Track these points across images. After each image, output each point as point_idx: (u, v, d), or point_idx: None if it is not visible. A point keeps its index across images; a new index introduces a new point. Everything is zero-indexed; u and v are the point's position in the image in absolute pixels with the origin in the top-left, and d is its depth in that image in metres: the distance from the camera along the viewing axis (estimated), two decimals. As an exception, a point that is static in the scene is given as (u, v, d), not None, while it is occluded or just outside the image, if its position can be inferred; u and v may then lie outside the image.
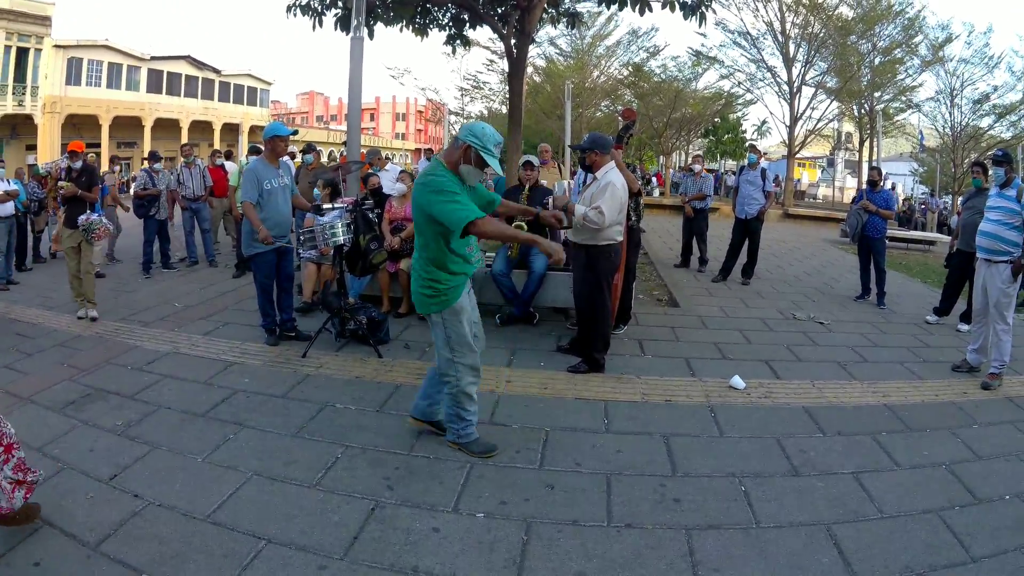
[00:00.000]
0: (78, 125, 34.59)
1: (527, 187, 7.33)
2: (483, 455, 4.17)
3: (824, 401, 5.39)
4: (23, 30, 31.24)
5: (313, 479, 3.86)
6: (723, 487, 3.92)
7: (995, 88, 28.73)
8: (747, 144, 31.78)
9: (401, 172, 8.53)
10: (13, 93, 31.25)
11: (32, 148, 31.60)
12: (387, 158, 12.48)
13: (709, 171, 13.20)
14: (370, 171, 8.83)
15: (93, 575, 2.99)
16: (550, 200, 7.07)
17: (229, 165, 11.86)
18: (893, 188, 31.72)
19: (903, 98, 30.65)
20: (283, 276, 6.55)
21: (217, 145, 36.15)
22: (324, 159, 17.79)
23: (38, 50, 32.28)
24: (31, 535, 3.25)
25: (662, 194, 30.94)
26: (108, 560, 3.08)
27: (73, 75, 34.37)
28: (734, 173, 26.35)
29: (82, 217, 7.20)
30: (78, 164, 7.63)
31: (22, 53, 31.70)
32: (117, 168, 12.77)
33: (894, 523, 3.57)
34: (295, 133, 6.84)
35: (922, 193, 37.22)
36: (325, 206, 6.35)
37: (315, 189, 7.91)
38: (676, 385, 5.62)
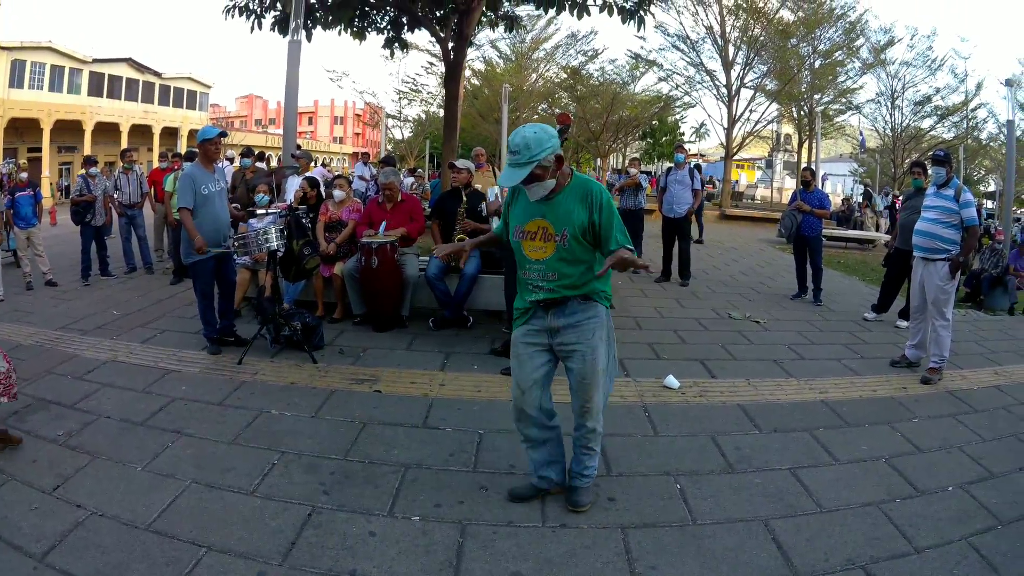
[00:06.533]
0: (20, 129, 33.49)
1: (464, 193, 7.35)
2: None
3: (760, 399, 5.48)
4: (-36, 32, 30.27)
5: (250, 486, 3.85)
6: (658, 486, 3.98)
7: (937, 90, 29.56)
8: (675, 144, 32.29)
9: (337, 177, 8.47)
10: (-46, 97, 30.25)
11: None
12: (317, 163, 12.18)
13: (644, 173, 13.42)
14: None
15: (41, 587, 2.97)
16: (484, 206, 7.09)
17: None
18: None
19: (843, 100, 31.34)
20: (224, 282, 6.52)
21: (156, 149, 35.35)
22: (274, 163, 17.41)
23: (-20, 52, 31.30)
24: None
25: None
26: (54, 571, 3.05)
27: (16, 77, 33.25)
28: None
29: None
30: None
31: (-37, 55, 30.72)
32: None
33: (833, 517, 3.66)
34: (223, 135, 6.76)
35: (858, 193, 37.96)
36: (259, 212, 6.31)
37: (258, 195, 7.77)
38: (610, 386, 5.68)
